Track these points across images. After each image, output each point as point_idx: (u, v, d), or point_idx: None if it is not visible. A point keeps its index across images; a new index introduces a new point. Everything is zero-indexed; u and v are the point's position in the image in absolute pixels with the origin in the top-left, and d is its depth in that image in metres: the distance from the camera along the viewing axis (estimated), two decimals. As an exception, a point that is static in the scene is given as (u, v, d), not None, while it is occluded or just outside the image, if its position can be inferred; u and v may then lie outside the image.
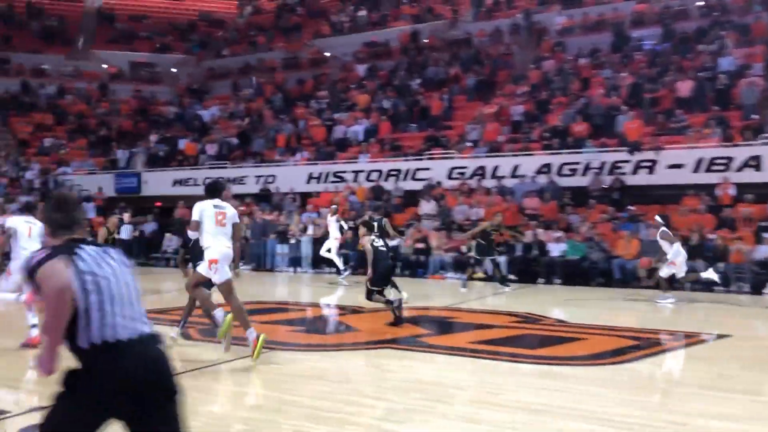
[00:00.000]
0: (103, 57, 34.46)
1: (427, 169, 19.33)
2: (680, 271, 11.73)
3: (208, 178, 22.37)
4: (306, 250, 17.92)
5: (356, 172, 20.37)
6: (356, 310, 10.98)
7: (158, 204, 24.14)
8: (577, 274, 14.78)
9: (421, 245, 16.46)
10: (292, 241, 18.25)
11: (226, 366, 6.73)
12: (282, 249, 18.31)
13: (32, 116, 29.16)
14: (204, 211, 6.91)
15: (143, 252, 21.98)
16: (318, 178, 20.99)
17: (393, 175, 19.72)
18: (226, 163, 23.25)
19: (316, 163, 21.48)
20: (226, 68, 32.69)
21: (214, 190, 7.17)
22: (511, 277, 14.89)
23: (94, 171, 25.70)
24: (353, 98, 24.80)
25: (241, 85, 30.56)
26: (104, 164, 26.38)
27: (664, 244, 11.60)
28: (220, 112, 28.04)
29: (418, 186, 19.08)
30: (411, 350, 7.64)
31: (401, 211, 18.68)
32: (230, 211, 7.01)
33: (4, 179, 23.00)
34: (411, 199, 18.80)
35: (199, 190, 25.43)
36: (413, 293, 11.43)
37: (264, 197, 21.07)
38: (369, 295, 9.10)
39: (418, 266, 16.32)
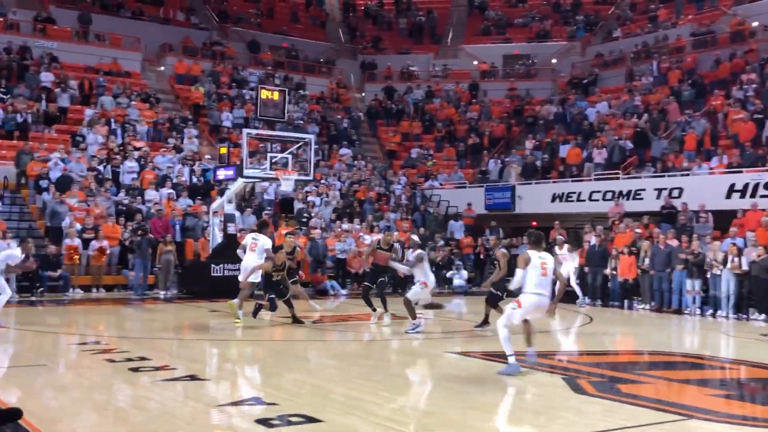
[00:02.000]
0: (473, 52, 37.64)
1: None
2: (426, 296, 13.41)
3: (595, 191, 22.90)
4: (727, 287, 17.03)
5: (800, 183, 18.85)
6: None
7: (534, 223, 25.32)
8: None
9: None
10: (708, 275, 17.50)
11: None
12: (693, 285, 17.69)
13: (400, 124, 33.33)
14: (246, 240, 14.07)
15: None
16: (743, 191, 20.05)
17: None
18: (617, 173, 23.48)
19: (740, 171, 20.63)
20: (618, 53, 33.05)
21: (260, 226, 14.52)
22: None
23: (463, 185, 28.21)
24: (796, 80, 23.15)
25: (638, 72, 30.57)
26: (474, 176, 28.76)
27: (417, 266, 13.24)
28: (610, 108, 28.54)
29: None
30: None
31: None
32: (261, 241, 13.71)
33: (372, 193, 26.53)
34: None
35: (584, 207, 26.28)
36: None
37: (667, 217, 20.79)
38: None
39: None
